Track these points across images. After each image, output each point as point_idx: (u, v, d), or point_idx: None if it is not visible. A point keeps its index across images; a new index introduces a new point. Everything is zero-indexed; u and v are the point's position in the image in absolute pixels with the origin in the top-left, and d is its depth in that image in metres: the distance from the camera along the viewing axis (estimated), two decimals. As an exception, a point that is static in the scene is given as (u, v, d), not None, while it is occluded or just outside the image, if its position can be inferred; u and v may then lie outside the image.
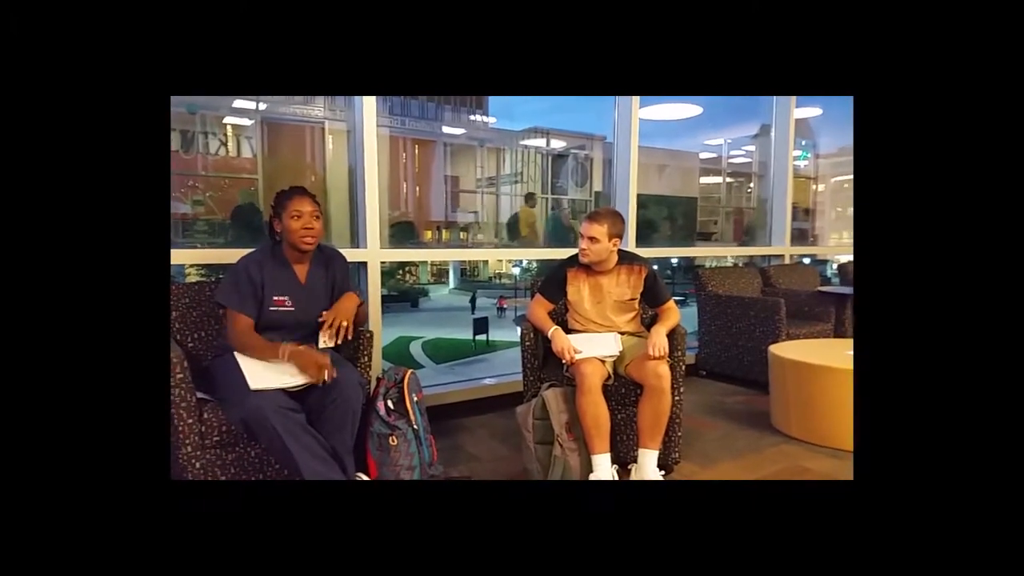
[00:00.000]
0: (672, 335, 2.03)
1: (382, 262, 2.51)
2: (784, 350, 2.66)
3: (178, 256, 2.49)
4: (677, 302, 2.18)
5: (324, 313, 1.77)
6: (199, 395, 1.63)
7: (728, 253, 4.63)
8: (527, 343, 2.18)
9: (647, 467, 1.89)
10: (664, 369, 1.90)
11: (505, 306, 18.18)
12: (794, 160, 4.17)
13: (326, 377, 1.64)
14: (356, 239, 2.50)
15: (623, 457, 2.04)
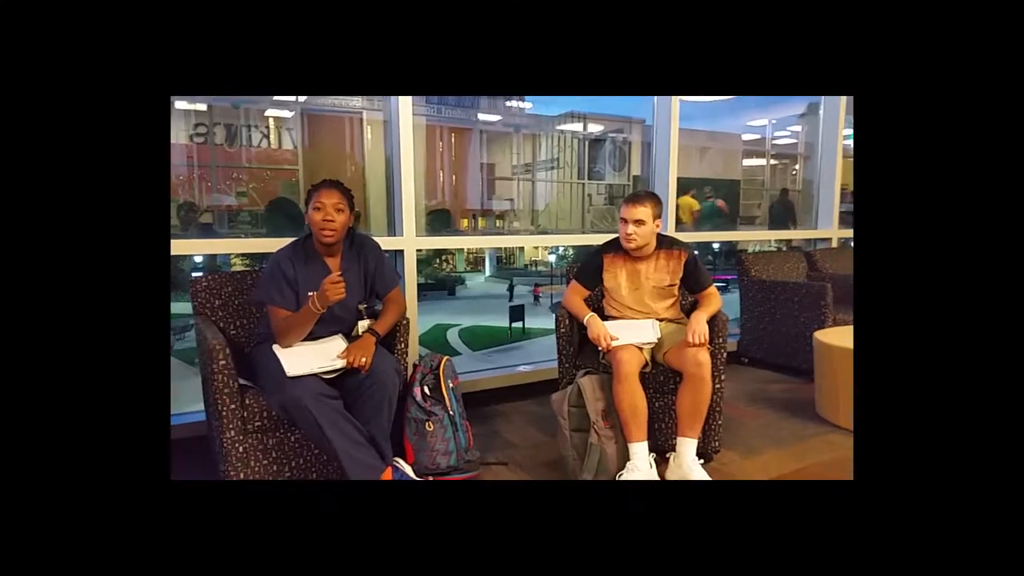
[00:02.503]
0: (713, 321, 1.97)
1: (418, 250, 2.52)
2: (830, 336, 2.56)
3: (223, 246, 2.59)
4: (719, 289, 2.11)
5: (344, 351, 1.72)
6: (241, 381, 1.67)
7: (772, 237, 4.46)
8: (562, 330, 2.15)
9: (686, 456, 1.85)
10: (704, 356, 1.84)
11: (540, 294, 18.14)
12: (844, 139, 3.97)
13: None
14: (393, 227, 2.52)
15: (661, 445, 2.00)
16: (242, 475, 1.65)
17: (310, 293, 1.67)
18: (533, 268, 20.80)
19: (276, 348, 1.68)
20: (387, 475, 1.66)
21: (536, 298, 17.92)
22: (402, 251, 2.45)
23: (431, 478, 1.86)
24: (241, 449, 1.65)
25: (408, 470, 1.79)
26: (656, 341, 1.98)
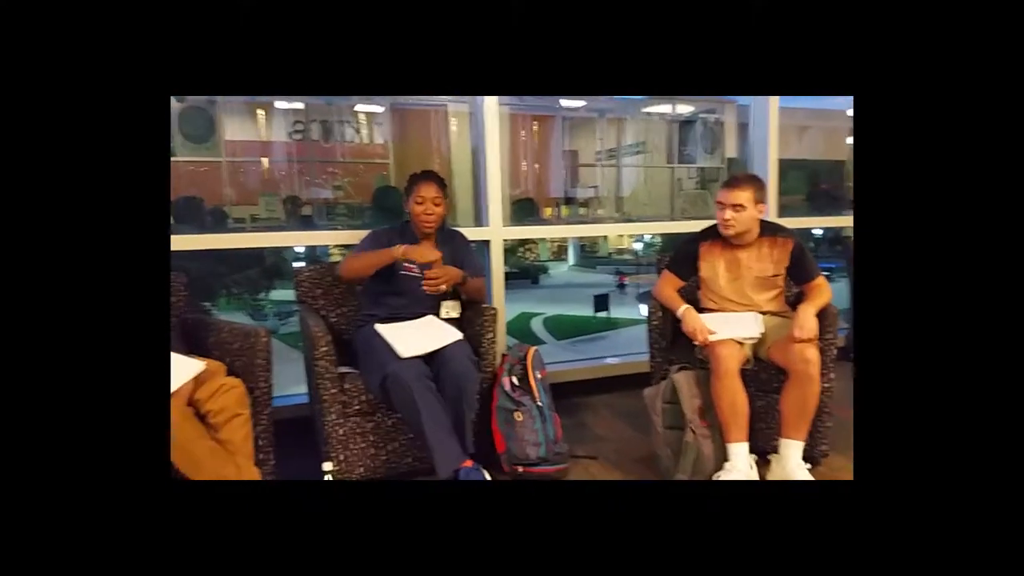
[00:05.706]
0: (822, 315, 1.82)
1: (504, 240, 2.52)
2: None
3: (320, 237, 2.75)
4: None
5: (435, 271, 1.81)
6: (342, 369, 1.75)
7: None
8: (655, 322, 2.07)
9: (791, 459, 1.73)
10: (812, 353, 1.71)
11: (626, 282, 17.76)
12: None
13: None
14: (479, 218, 2.53)
15: (762, 447, 1.88)
16: (342, 456, 1.74)
17: (396, 247, 1.81)
18: (618, 256, 20.38)
19: (384, 331, 1.77)
20: (467, 464, 1.66)
21: (622, 286, 17.58)
22: (489, 241, 2.47)
23: (521, 469, 1.86)
24: (341, 431, 1.73)
25: (483, 472, 1.70)
26: (759, 336, 1.86)
